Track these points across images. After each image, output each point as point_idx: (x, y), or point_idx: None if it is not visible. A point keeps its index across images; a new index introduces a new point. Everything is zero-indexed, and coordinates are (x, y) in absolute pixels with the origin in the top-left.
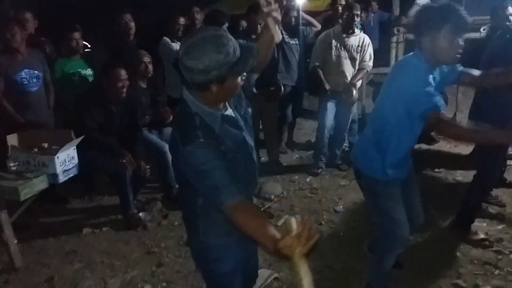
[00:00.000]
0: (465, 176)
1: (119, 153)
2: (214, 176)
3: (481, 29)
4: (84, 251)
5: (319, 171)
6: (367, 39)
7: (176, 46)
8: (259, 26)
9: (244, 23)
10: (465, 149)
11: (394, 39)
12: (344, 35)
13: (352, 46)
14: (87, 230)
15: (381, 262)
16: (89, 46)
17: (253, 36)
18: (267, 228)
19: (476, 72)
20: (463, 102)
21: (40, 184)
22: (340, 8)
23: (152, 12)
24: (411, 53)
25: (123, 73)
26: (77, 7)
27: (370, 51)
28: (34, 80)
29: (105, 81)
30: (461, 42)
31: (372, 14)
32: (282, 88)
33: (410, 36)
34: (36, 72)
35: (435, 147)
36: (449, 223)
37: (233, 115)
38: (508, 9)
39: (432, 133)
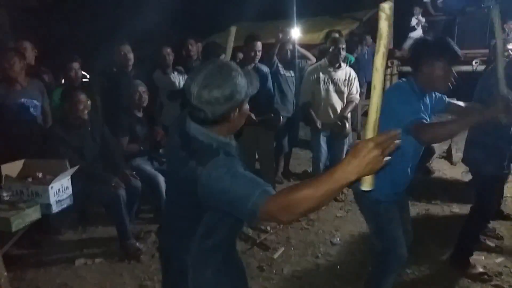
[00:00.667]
0: (461, 208)
1: (106, 179)
2: (243, 180)
3: (473, 62)
4: (76, 283)
5: None
6: (353, 73)
7: (168, 78)
8: (256, 55)
9: (240, 55)
10: (462, 180)
11: (388, 71)
12: (331, 69)
13: (339, 79)
14: (80, 262)
15: (376, 283)
16: (87, 76)
17: (249, 68)
18: (326, 175)
19: (462, 104)
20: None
21: (32, 214)
22: None
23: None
24: (402, 79)
25: (83, 96)
26: (76, 38)
27: (356, 84)
28: (32, 109)
29: (67, 106)
30: (454, 71)
31: (367, 48)
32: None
33: (404, 68)
34: (34, 101)
35: (431, 178)
36: (447, 257)
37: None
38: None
39: (428, 164)
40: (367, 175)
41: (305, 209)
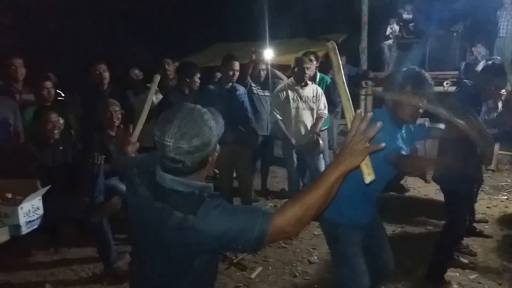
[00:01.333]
0: (436, 225)
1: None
2: (239, 214)
3: (444, 83)
4: None
5: None
6: (319, 90)
7: (139, 99)
8: (234, 74)
9: (218, 74)
10: (436, 197)
11: (363, 91)
12: (298, 87)
13: (307, 97)
14: (51, 284)
15: None
16: (62, 94)
17: (227, 87)
18: (321, 178)
19: (443, 127)
20: (432, 150)
21: (1, 236)
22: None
23: (128, 63)
24: (378, 108)
25: (54, 116)
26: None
27: (323, 100)
28: (3, 129)
29: (38, 125)
30: (421, 103)
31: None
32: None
33: (379, 89)
34: (7, 120)
35: (405, 196)
36: (423, 274)
37: None
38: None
39: (402, 182)
40: (358, 164)
41: (312, 214)
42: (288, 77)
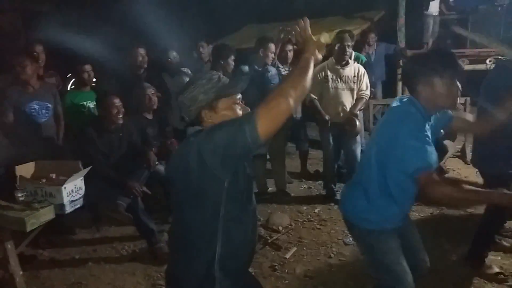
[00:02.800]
0: (476, 207)
1: (123, 184)
2: (230, 122)
3: (487, 61)
4: (90, 282)
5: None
6: (362, 69)
7: (175, 81)
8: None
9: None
10: (477, 179)
11: (400, 70)
12: (338, 67)
13: (348, 76)
14: (93, 261)
15: None
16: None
17: (259, 68)
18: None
19: (470, 119)
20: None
21: (46, 214)
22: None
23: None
24: (406, 99)
25: (117, 101)
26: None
27: (366, 80)
28: (44, 111)
29: (101, 110)
30: (458, 85)
31: (375, 47)
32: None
33: None
34: (46, 104)
35: (444, 178)
36: (462, 257)
37: None
38: None
39: (442, 163)
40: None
41: (293, 95)
42: (326, 57)
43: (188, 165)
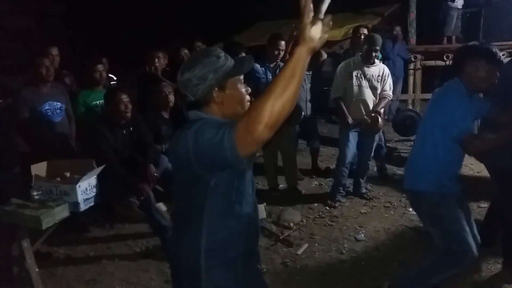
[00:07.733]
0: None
1: (133, 185)
2: (212, 127)
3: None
4: (104, 279)
5: (335, 205)
6: (386, 70)
7: None
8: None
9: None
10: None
11: (412, 66)
12: (364, 65)
13: (372, 75)
14: (107, 258)
15: (427, 276)
16: (115, 78)
17: (271, 65)
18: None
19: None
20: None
21: (61, 212)
22: (362, 37)
23: (177, 43)
24: (451, 80)
25: (124, 96)
26: (103, 41)
27: (390, 81)
28: (58, 111)
29: (109, 107)
30: (497, 73)
31: (395, 43)
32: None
33: (428, 63)
34: (59, 103)
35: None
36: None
37: None
38: None
39: None
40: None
41: (279, 110)
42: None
43: (179, 156)
